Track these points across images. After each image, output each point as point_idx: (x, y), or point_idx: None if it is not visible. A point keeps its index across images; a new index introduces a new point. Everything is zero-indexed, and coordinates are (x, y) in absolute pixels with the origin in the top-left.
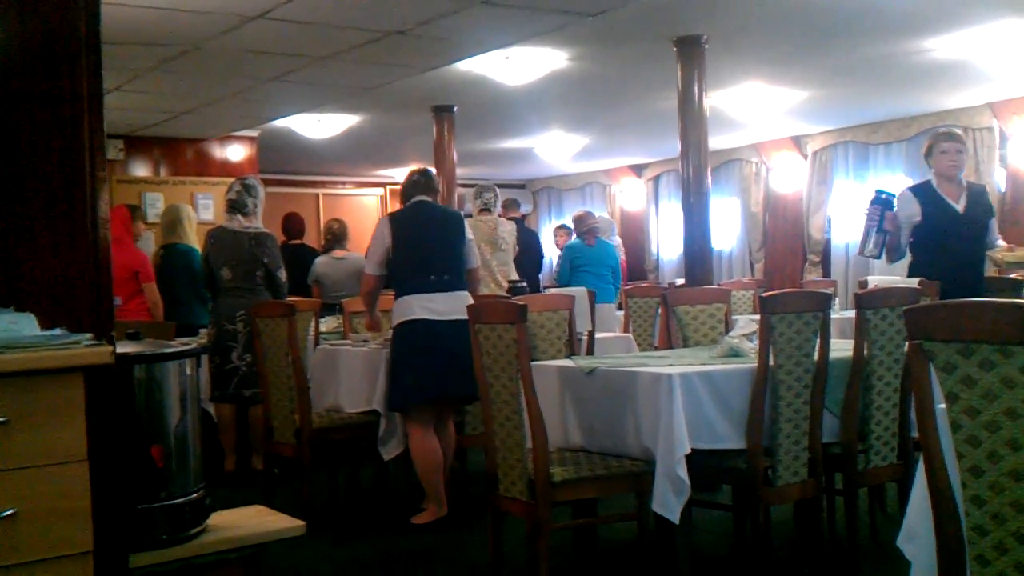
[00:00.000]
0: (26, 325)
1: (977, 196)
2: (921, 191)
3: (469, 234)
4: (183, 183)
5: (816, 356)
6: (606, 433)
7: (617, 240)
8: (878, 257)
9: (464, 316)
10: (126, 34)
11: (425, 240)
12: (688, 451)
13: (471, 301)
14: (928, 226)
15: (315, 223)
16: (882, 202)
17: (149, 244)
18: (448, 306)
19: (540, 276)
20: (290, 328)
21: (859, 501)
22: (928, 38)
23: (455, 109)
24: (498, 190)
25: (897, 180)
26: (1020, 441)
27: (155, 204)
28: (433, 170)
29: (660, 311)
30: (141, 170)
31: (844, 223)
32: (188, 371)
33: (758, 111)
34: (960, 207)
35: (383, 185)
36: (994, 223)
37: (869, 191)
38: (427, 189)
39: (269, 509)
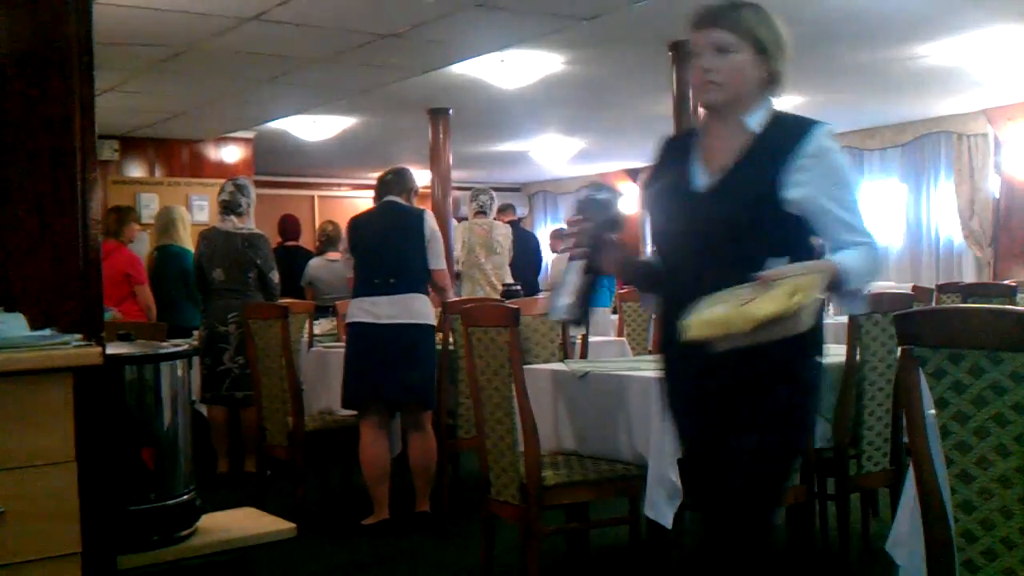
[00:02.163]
0: (15, 325)
1: (768, 149)
2: (677, 141)
3: (431, 232)
4: (178, 184)
5: None
6: (598, 437)
7: None
8: (577, 322)
9: (409, 320)
10: (121, 35)
11: (376, 243)
12: (680, 455)
13: (423, 304)
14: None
15: (311, 225)
16: (593, 206)
17: (143, 245)
18: (391, 310)
19: (539, 279)
20: (283, 330)
21: (851, 506)
22: (922, 44)
23: (451, 112)
24: (494, 193)
25: (892, 185)
26: (1009, 447)
27: (150, 205)
28: (409, 169)
29: (654, 315)
30: (136, 171)
31: None
32: (180, 373)
33: None
34: (707, 181)
35: None
36: (836, 211)
37: (865, 196)
38: (397, 188)
39: (260, 511)
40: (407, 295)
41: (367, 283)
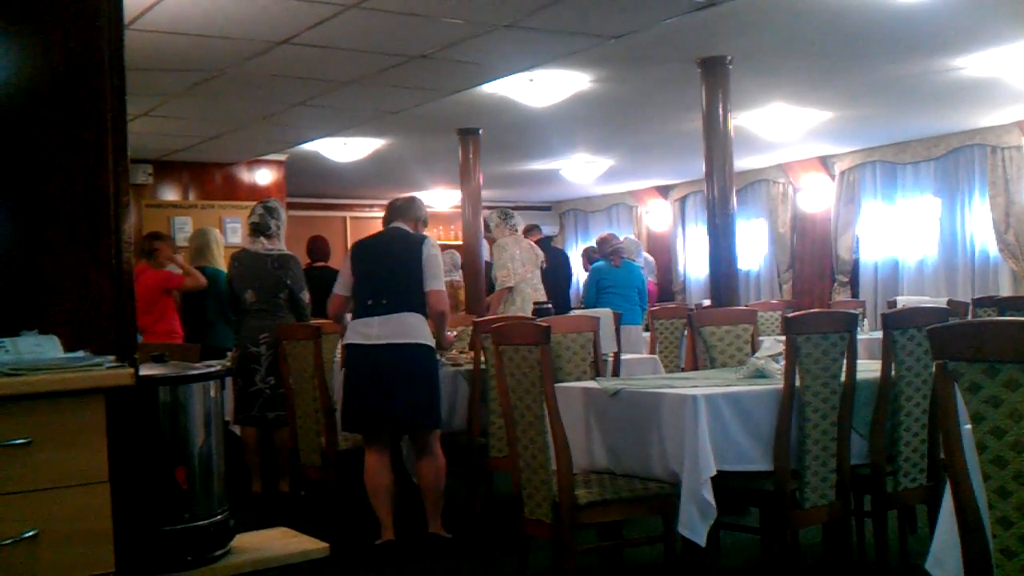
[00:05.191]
0: (49, 347)
1: None
2: None
3: (428, 256)
4: (212, 207)
5: (843, 377)
6: (631, 455)
7: (647, 259)
8: None
9: (401, 340)
10: (155, 60)
11: (373, 267)
12: (714, 473)
13: (417, 322)
14: None
15: (343, 246)
16: None
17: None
18: (383, 330)
19: (570, 294)
20: (316, 350)
21: (888, 523)
22: (956, 56)
23: (480, 132)
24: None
25: (926, 200)
26: None
27: (184, 228)
28: (420, 199)
29: (686, 332)
30: (170, 194)
31: (872, 243)
32: (212, 393)
33: (784, 131)
34: None
35: None
36: None
37: (899, 210)
38: (406, 216)
39: (293, 531)
40: (400, 315)
41: (362, 305)
